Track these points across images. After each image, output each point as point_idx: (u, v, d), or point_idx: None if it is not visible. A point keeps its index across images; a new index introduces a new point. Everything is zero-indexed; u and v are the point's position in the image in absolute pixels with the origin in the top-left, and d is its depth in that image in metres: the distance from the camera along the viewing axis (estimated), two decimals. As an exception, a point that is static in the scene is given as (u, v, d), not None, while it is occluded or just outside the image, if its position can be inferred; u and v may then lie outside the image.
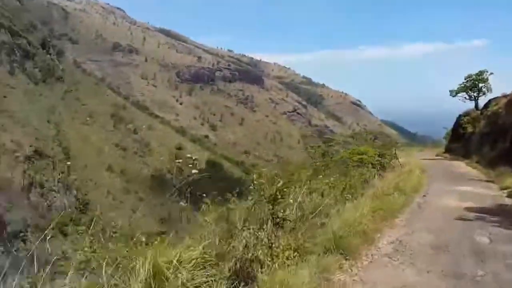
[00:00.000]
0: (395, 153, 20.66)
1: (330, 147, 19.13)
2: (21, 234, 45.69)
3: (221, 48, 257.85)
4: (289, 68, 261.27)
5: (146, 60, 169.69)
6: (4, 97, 59.94)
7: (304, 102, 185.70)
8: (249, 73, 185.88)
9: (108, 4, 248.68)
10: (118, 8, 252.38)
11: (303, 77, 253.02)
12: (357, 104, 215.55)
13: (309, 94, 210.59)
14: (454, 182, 16.60)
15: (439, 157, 31.58)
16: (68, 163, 59.53)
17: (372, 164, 14.94)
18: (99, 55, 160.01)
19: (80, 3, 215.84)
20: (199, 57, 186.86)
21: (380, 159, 16.54)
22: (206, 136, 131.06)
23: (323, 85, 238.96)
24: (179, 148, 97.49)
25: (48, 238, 4.23)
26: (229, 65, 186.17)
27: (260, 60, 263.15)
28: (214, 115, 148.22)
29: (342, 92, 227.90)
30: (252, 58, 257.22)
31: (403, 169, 18.20)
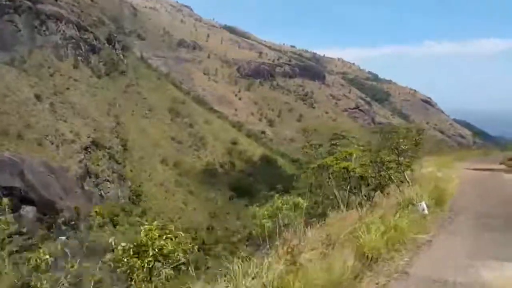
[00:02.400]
0: (408, 161, 14.43)
1: (334, 146, 15.47)
2: (72, 222, 47.23)
3: (284, 44, 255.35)
4: (353, 64, 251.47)
5: (208, 56, 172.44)
6: (67, 89, 62.70)
7: (368, 99, 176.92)
8: (310, 68, 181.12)
9: (177, 2, 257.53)
10: (186, 6, 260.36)
11: (369, 72, 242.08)
12: (427, 102, 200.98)
13: (374, 90, 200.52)
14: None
15: (500, 167, 21.87)
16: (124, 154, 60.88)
17: (363, 178, 10.93)
18: (165, 51, 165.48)
19: (150, 1, 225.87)
20: (260, 53, 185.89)
21: (383, 169, 11.93)
22: (263, 132, 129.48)
23: (390, 81, 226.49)
24: (234, 143, 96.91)
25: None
26: (290, 61, 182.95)
27: (324, 55, 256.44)
28: (273, 110, 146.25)
29: (411, 89, 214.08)
30: (315, 54, 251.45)
31: (408, 189, 10.98)
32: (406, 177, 12.77)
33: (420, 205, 9.09)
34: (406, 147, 12.57)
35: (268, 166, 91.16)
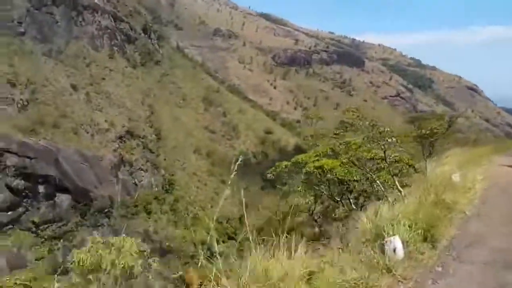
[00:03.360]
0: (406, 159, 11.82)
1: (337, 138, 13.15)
2: (106, 210, 47.93)
3: (322, 30, 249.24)
4: (395, 49, 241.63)
5: (244, 45, 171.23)
6: (103, 79, 63.53)
7: (410, 86, 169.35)
8: (348, 55, 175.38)
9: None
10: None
11: (411, 58, 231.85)
12: (472, 89, 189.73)
13: (416, 77, 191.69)
14: None
15: None
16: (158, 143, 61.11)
17: (342, 182, 8.43)
18: (201, 40, 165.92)
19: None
20: (296, 40, 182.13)
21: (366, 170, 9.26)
22: (298, 121, 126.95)
23: (433, 68, 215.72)
24: (268, 133, 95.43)
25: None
26: (327, 47, 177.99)
27: (363, 41, 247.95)
28: (308, 99, 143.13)
29: (456, 75, 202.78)
30: (354, 40, 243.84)
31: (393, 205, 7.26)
32: (397, 183, 9.43)
33: (390, 242, 5.18)
34: (394, 139, 9.50)
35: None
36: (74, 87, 57.83)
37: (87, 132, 51.76)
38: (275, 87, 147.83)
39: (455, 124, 25.72)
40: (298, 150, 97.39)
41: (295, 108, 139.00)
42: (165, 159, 63.22)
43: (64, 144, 46.20)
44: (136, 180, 55.09)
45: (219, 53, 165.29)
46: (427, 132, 11.81)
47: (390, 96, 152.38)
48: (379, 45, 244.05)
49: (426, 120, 22.34)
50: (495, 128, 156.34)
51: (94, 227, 43.88)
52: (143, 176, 56.46)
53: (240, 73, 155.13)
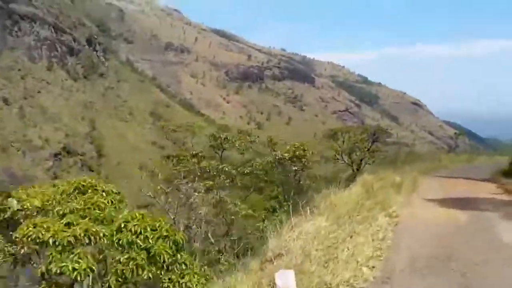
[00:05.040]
0: None
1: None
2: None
3: (273, 48, 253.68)
4: (343, 67, 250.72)
5: (196, 60, 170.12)
6: (38, 92, 59.75)
7: (357, 101, 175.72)
8: (299, 71, 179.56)
9: (166, 6, 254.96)
10: (175, 10, 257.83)
11: (358, 75, 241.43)
12: (416, 104, 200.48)
13: (363, 93, 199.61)
14: None
15: (489, 190, 12.91)
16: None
17: None
18: (152, 54, 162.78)
19: (139, 5, 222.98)
20: (249, 56, 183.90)
21: None
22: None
23: (379, 84, 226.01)
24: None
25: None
26: (279, 64, 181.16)
27: (313, 58, 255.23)
28: (262, 113, 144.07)
29: (400, 91, 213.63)
30: (304, 57, 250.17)
31: None
32: None
33: None
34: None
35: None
36: (5, 100, 53.79)
37: (18, 150, 47.98)
38: (228, 102, 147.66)
39: (382, 138, 25.16)
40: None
41: (248, 123, 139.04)
42: (107, 177, 59.97)
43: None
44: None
45: (171, 67, 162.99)
46: (286, 155, 12.31)
47: (339, 111, 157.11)
48: (328, 62, 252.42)
49: (345, 134, 21.92)
50: (438, 141, 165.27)
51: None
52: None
53: (192, 87, 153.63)
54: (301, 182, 14.48)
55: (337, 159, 24.12)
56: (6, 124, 49.96)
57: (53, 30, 74.47)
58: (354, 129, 26.07)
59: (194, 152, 16.52)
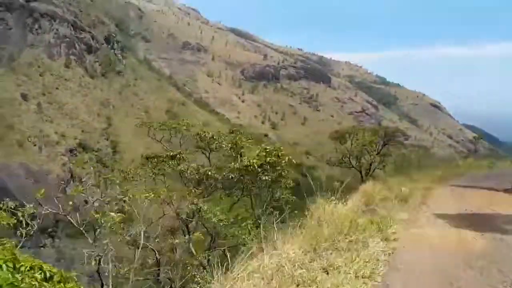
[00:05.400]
0: None
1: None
2: (50, 230, 44.90)
3: (290, 47, 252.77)
4: (361, 67, 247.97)
5: (213, 59, 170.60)
6: (56, 88, 60.70)
7: (375, 102, 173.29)
8: (316, 71, 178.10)
9: (184, 5, 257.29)
10: (193, 9, 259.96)
11: (376, 76, 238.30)
12: (435, 106, 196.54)
13: (381, 94, 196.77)
14: None
15: None
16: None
17: None
18: (169, 53, 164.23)
19: (158, 4, 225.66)
20: (265, 55, 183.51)
21: None
22: (266, 135, 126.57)
23: (397, 85, 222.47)
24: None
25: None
26: (295, 63, 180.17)
27: (331, 58, 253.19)
28: (276, 113, 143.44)
29: (419, 93, 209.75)
30: (321, 57, 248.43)
31: None
32: None
33: None
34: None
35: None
36: (24, 96, 54.84)
37: (35, 145, 48.83)
38: (243, 101, 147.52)
39: (397, 140, 23.73)
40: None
41: (263, 122, 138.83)
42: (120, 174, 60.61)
43: (7, 158, 43.20)
44: (87, 197, 52.27)
45: (188, 66, 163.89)
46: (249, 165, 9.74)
47: (356, 111, 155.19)
48: (345, 62, 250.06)
49: (353, 135, 20.57)
50: (457, 144, 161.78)
51: (36, 248, 40.80)
52: (94, 192, 53.64)
53: (208, 86, 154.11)
54: (276, 195, 12.46)
55: (344, 162, 22.61)
56: (23, 119, 50.92)
57: (72, 28, 75.69)
58: (363, 130, 23.99)
59: (172, 153, 15.10)
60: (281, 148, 13.26)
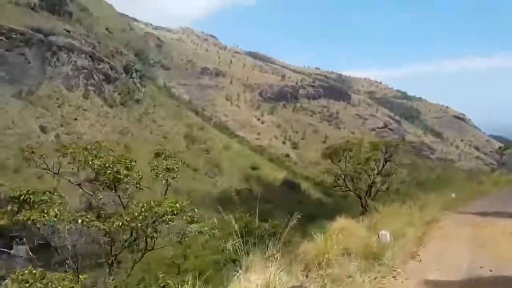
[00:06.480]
0: None
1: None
2: (68, 261, 44.01)
3: (308, 67, 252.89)
4: (380, 83, 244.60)
5: (231, 82, 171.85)
6: (75, 119, 61.18)
7: (397, 117, 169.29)
8: (335, 89, 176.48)
9: (203, 32, 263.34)
10: (211, 36, 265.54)
11: (397, 91, 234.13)
12: (460, 118, 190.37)
13: (403, 108, 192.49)
14: None
15: None
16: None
17: None
18: (188, 79, 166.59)
19: (177, 32, 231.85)
20: (283, 76, 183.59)
21: None
22: (287, 155, 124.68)
23: (420, 99, 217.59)
24: (254, 168, 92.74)
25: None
26: (313, 82, 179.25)
27: (349, 76, 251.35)
28: (296, 133, 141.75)
29: (443, 105, 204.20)
30: (340, 75, 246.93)
31: None
32: None
33: None
34: None
35: (290, 191, 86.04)
36: (43, 128, 55.34)
37: (53, 177, 48.63)
38: (262, 122, 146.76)
39: (398, 153, 19.24)
40: (287, 184, 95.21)
41: (283, 143, 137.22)
42: (139, 202, 59.82)
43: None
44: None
45: (206, 90, 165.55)
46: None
47: (378, 127, 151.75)
48: (365, 79, 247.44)
49: (347, 151, 17.17)
50: (485, 156, 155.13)
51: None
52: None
53: (227, 109, 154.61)
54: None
55: (337, 185, 18.58)
56: (41, 152, 51.00)
57: (90, 60, 77.23)
58: (359, 145, 19.32)
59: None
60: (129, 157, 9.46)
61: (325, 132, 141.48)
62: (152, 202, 8.44)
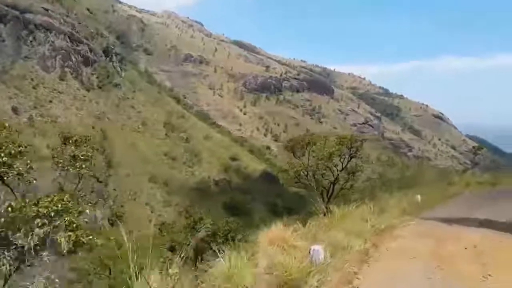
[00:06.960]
0: None
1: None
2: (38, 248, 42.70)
3: (294, 59, 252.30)
4: (364, 79, 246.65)
5: (215, 71, 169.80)
6: (50, 101, 59.15)
7: (378, 114, 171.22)
8: (319, 83, 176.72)
9: (188, 18, 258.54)
10: (197, 22, 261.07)
11: (380, 87, 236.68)
12: (438, 117, 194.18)
13: (384, 105, 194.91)
14: None
15: None
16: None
17: None
18: (171, 65, 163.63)
19: (161, 17, 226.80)
20: (268, 67, 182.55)
21: None
22: (268, 147, 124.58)
23: (401, 96, 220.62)
24: (233, 159, 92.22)
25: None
26: (298, 75, 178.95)
27: (334, 70, 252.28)
28: (278, 125, 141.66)
29: (423, 104, 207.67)
30: (325, 68, 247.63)
31: None
32: None
33: None
34: None
35: (268, 184, 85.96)
36: (15, 109, 53.26)
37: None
38: (245, 113, 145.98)
39: (361, 150, 17.79)
40: (266, 176, 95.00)
41: (265, 135, 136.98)
42: (114, 189, 58.57)
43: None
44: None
45: (189, 78, 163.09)
46: None
47: (359, 123, 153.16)
48: (349, 74, 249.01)
49: (310, 146, 16.08)
50: (461, 156, 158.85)
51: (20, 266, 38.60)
52: (86, 208, 51.56)
53: (209, 98, 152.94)
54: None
55: (299, 182, 17.00)
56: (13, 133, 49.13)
57: (68, 40, 74.58)
58: (325, 139, 17.18)
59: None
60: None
61: (307, 126, 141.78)
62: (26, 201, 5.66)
